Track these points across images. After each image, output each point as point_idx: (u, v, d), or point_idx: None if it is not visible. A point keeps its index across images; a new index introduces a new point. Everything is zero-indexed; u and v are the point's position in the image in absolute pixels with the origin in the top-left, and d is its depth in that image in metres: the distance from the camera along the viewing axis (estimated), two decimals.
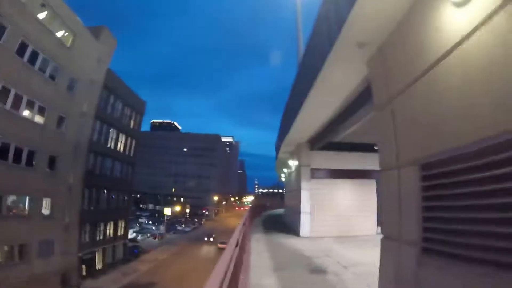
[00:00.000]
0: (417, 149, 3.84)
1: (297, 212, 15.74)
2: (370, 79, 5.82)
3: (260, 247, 11.33)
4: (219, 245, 42.56)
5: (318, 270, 7.82)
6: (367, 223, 14.45)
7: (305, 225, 14.86)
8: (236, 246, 3.92)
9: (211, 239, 47.64)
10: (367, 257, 8.57)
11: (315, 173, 15.60)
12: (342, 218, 14.54)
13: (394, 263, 4.15)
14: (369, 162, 14.64)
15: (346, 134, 11.60)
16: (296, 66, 13.37)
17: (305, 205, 15.20)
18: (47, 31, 18.10)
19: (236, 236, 4.15)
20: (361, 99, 8.18)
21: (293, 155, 18.51)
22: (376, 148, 9.99)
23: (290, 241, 13.26)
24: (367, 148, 14.40)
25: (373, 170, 14.66)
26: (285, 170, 25.05)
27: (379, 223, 14.50)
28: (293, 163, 18.98)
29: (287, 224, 19.91)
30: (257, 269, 7.72)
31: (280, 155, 20.51)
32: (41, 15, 17.72)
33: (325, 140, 13.53)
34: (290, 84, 12.86)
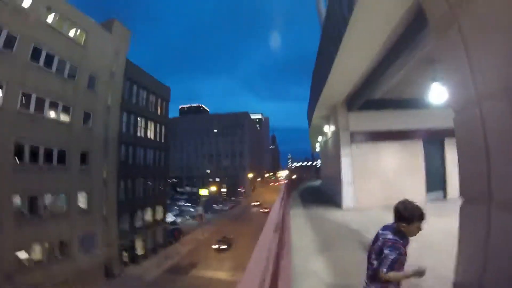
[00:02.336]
0: (508, 70, 2.69)
1: (337, 182, 14.50)
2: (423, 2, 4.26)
3: (300, 223, 10.43)
4: (261, 210, 53.29)
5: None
6: (416, 189, 13.03)
7: (348, 196, 13.64)
8: (276, 231, 3.24)
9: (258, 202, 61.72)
10: (424, 227, 7.80)
11: (355, 137, 14.04)
12: (388, 185, 13.12)
13: (481, 233, 3.17)
14: (414, 120, 13.38)
15: (388, 86, 10.17)
16: (319, 25, 12.17)
17: (346, 173, 13.80)
18: (57, 33, 18.35)
19: (274, 218, 3.39)
20: (406, 35, 7.01)
21: (329, 119, 17.00)
22: (434, 98, 8.73)
23: (332, 214, 12.23)
24: (410, 104, 13.00)
25: (419, 130, 13.42)
26: (320, 138, 23.89)
27: (428, 188, 13.34)
28: (329, 128, 17.43)
29: (326, 196, 18.88)
30: (300, 250, 6.85)
31: (314, 121, 19.14)
32: (49, 19, 17.95)
33: (364, 97, 11.97)
34: (311, 50, 11.75)
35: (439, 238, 6.47)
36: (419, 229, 2.62)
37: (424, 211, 2.61)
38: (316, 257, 6.41)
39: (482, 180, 3.05)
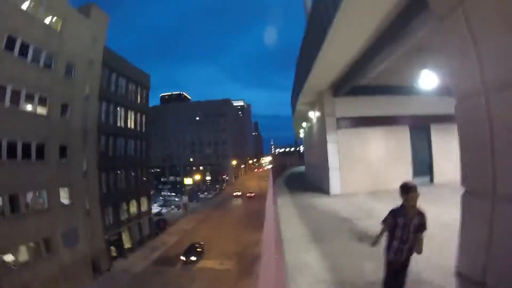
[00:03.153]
0: None
1: (323, 168, 14.45)
2: None
3: (288, 212, 10.14)
4: (247, 194, 57.54)
5: (366, 238, 6.41)
6: (402, 174, 12.68)
7: (335, 182, 13.58)
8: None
9: (239, 193, 58.66)
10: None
11: (341, 123, 13.95)
12: (374, 170, 13.31)
13: (484, 226, 3.04)
14: (400, 106, 13.51)
15: (376, 72, 10.02)
16: (303, 14, 11.77)
17: (332, 159, 13.72)
18: (33, 20, 17.08)
19: (270, 226, 3.17)
20: (397, 23, 6.84)
21: (314, 105, 16.89)
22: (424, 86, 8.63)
23: (320, 201, 12.06)
24: (397, 90, 13.13)
25: (405, 116, 13.58)
26: (304, 124, 23.80)
27: (414, 173, 13.57)
28: (314, 114, 17.34)
29: (312, 182, 18.82)
30: (290, 242, 6.54)
31: (299, 107, 18.90)
32: (24, 5, 16.65)
33: (350, 83, 11.88)
34: (295, 41, 11.36)
35: (431, 224, 6.52)
36: (407, 200, 3.41)
37: (409, 185, 3.41)
38: (308, 250, 6.13)
39: (486, 172, 2.93)
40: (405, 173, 13.31)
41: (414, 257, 3.51)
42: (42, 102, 17.88)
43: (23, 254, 16.00)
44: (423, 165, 13.79)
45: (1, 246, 14.61)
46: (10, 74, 15.66)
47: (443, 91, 11.25)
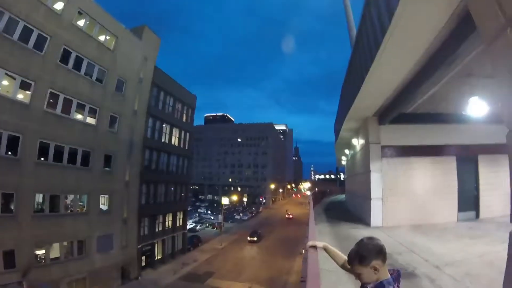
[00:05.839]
0: None
1: (365, 198, 13.66)
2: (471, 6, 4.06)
3: (326, 242, 9.92)
4: (286, 215, 61.39)
5: (405, 273, 6.06)
6: (446, 209, 12.17)
7: (376, 213, 12.71)
8: None
9: (255, 238, 39.80)
10: (459, 252, 7.02)
11: (385, 152, 13.12)
12: (417, 203, 12.25)
13: None
14: (447, 135, 12.53)
15: (422, 99, 9.49)
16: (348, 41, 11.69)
17: (375, 189, 12.90)
18: (87, 37, 18.88)
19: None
20: (446, 48, 6.46)
21: (358, 132, 16.27)
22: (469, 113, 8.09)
23: (359, 232, 11.20)
24: (444, 119, 12.24)
25: (452, 145, 12.49)
26: (347, 151, 23.12)
27: (460, 207, 12.29)
28: (358, 142, 16.69)
29: (352, 212, 17.93)
30: (327, 274, 5.97)
31: (342, 133, 18.28)
32: (80, 23, 18.47)
33: (396, 110, 11.31)
34: (337, 67, 11.19)
35: (476, 263, 5.90)
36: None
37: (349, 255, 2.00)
38: (345, 282, 5.72)
39: None
40: (450, 207, 12.19)
41: None
42: (92, 113, 19.43)
43: (55, 251, 16.97)
44: (469, 199, 12.60)
45: (35, 241, 15.62)
46: (64, 84, 17.18)
47: (493, 119, 10.39)
